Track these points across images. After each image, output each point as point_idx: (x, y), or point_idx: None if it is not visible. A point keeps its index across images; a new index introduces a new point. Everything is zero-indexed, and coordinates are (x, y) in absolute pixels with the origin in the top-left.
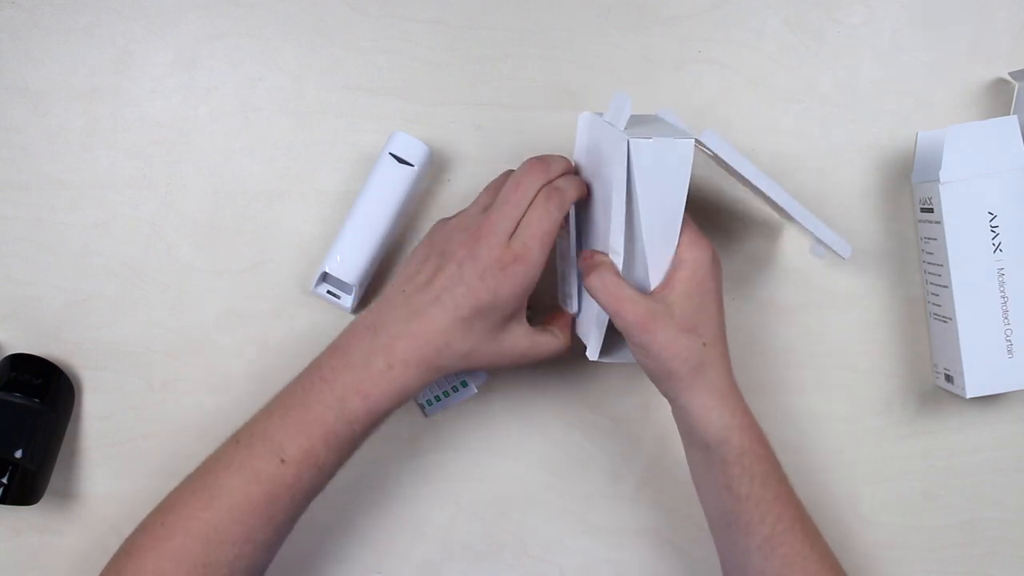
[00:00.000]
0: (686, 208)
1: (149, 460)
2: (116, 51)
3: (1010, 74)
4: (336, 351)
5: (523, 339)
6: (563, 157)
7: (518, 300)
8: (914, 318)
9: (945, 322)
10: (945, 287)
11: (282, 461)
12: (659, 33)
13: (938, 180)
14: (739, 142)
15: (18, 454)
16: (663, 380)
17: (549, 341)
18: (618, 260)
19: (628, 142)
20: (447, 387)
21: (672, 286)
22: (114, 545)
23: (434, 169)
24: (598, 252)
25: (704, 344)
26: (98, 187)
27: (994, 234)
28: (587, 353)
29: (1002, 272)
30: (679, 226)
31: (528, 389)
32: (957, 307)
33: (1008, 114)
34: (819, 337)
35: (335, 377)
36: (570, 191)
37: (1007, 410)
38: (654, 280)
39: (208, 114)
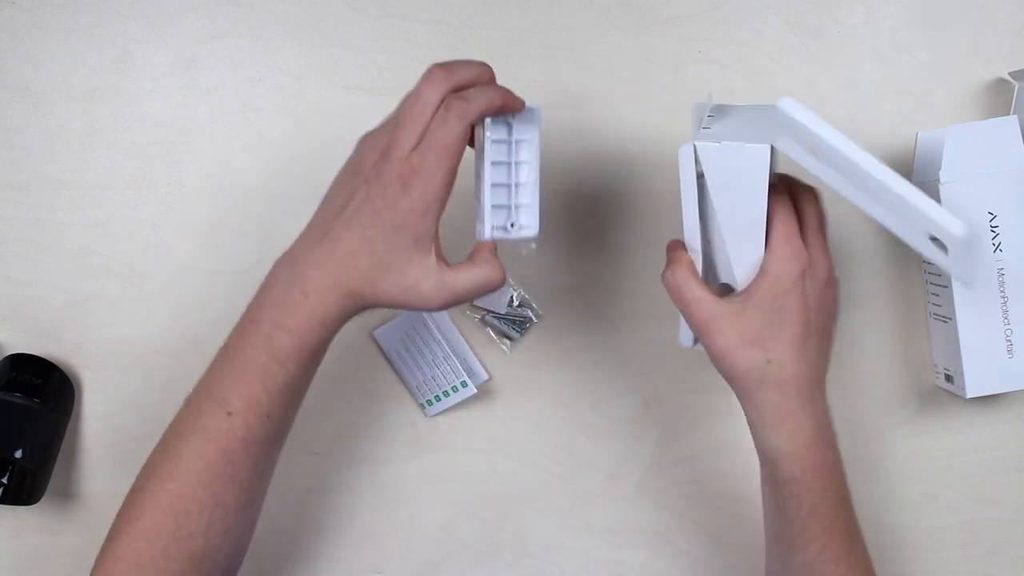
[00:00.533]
0: (783, 215)
1: None
2: (116, 51)
3: (1010, 74)
4: (262, 289)
5: (429, 274)
6: (473, 62)
7: (418, 219)
8: (914, 318)
9: (945, 322)
10: (945, 287)
11: (228, 414)
12: (659, 33)
13: (938, 180)
14: None
15: (18, 454)
16: (727, 381)
17: (466, 276)
18: (696, 259)
19: (694, 146)
20: (447, 387)
21: (750, 294)
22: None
23: None
24: (681, 245)
25: (768, 361)
26: (98, 187)
27: (994, 234)
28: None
29: (1002, 272)
30: (762, 229)
31: (528, 389)
32: (957, 307)
33: (1008, 114)
34: None
35: (260, 316)
36: (477, 101)
37: (1007, 410)
38: (741, 281)
39: (208, 114)
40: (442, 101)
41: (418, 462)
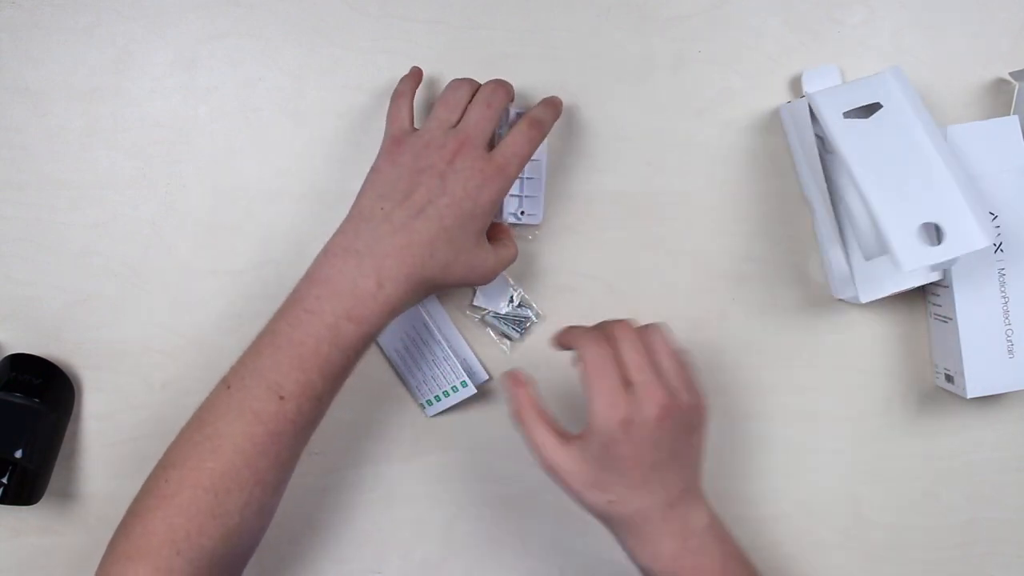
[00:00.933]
0: (593, 366)
1: (149, 460)
2: (116, 51)
3: (1010, 74)
4: (316, 281)
5: (491, 253)
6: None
7: (491, 210)
8: (914, 318)
9: (945, 322)
10: (945, 287)
11: (281, 398)
12: (659, 33)
13: None
14: (739, 142)
15: (18, 454)
16: (598, 519)
17: (508, 252)
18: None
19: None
20: (447, 387)
21: (585, 442)
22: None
23: None
24: (521, 389)
25: (610, 502)
26: (98, 187)
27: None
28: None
29: (1002, 272)
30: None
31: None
32: (957, 307)
33: (1008, 114)
34: (819, 337)
35: (322, 308)
36: (548, 122)
37: (1007, 410)
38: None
39: (208, 114)
40: (521, 117)
41: (418, 462)
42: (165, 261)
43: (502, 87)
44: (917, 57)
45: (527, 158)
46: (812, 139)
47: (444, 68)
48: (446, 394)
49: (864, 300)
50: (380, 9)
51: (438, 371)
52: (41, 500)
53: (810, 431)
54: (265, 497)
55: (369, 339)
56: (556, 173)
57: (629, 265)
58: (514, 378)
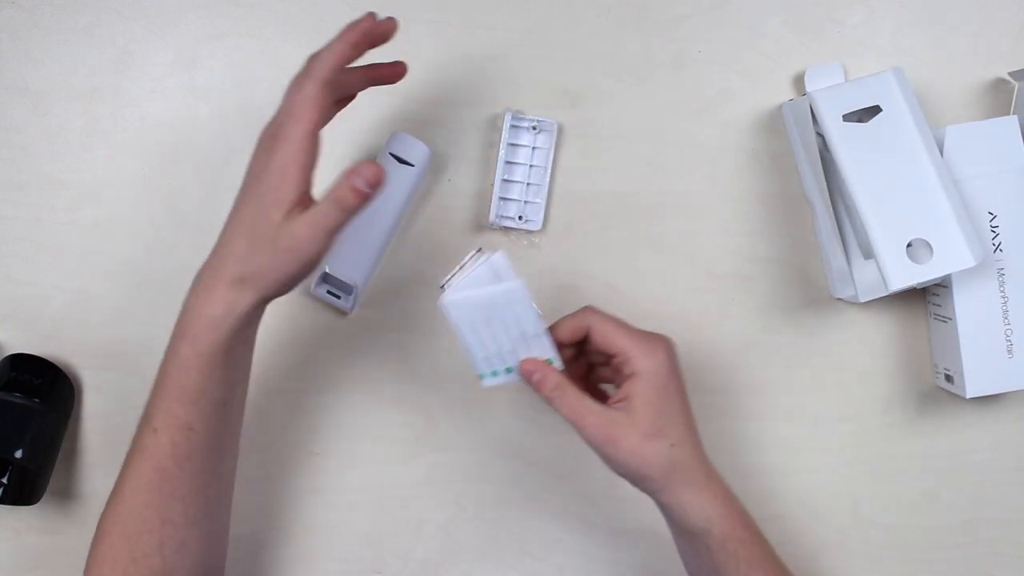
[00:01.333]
0: (610, 323)
1: None
2: (116, 51)
3: (1010, 74)
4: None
5: (301, 223)
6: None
7: (279, 183)
8: (914, 318)
9: (945, 322)
10: (945, 287)
11: (154, 431)
12: (659, 33)
13: None
14: (739, 142)
15: (18, 454)
16: (638, 483)
17: (319, 211)
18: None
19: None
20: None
21: (631, 396)
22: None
23: (434, 169)
24: (548, 367)
25: (672, 445)
26: (98, 187)
27: (994, 234)
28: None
29: (1002, 272)
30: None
31: (528, 389)
32: (957, 307)
33: (1008, 114)
34: (819, 337)
35: (173, 333)
36: (323, 57)
37: (1007, 410)
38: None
39: (208, 114)
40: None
41: (418, 462)
42: (165, 261)
43: (311, 60)
44: (917, 57)
45: (303, 108)
46: (813, 137)
47: (444, 68)
48: (508, 370)
49: (864, 300)
50: (380, 9)
51: (520, 346)
52: (41, 500)
53: (810, 431)
54: (179, 534)
55: (205, 358)
56: (556, 173)
57: (629, 265)
58: (534, 362)
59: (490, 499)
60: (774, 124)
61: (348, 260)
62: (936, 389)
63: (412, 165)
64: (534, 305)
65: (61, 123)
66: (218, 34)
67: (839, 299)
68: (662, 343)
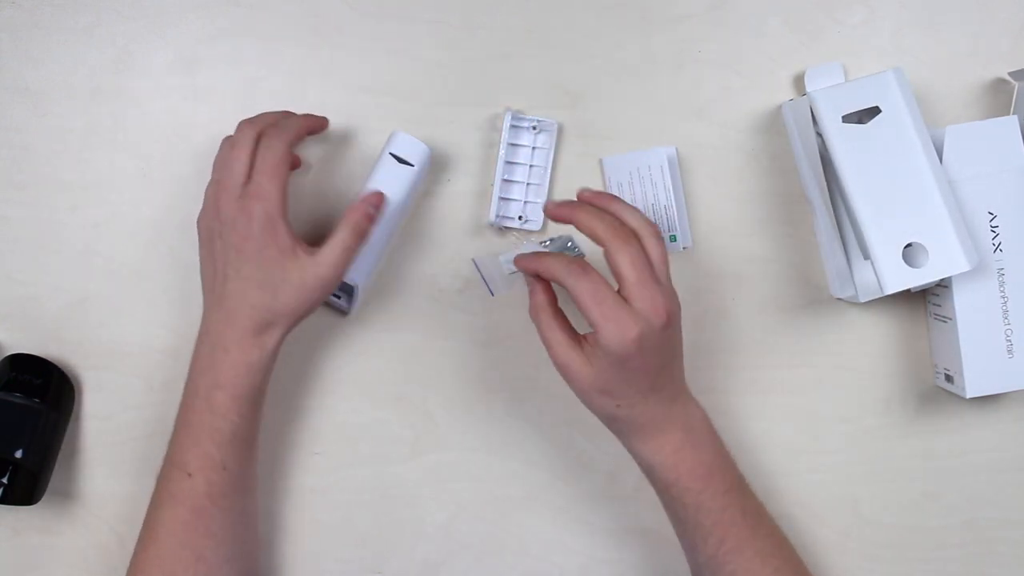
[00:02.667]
0: (592, 288)
1: (149, 460)
2: (116, 51)
3: (1010, 74)
4: (192, 370)
5: (307, 268)
6: (275, 112)
7: (271, 235)
8: (914, 318)
9: (945, 322)
10: (945, 287)
11: (188, 475)
12: (659, 33)
13: None
14: (739, 142)
15: (18, 454)
16: (603, 422)
17: (336, 240)
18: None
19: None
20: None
21: (594, 350)
22: (114, 545)
23: (434, 169)
24: (537, 284)
25: (617, 406)
26: (98, 187)
27: (994, 234)
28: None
29: (1002, 272)
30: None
31: (528, 389)
32: (957, 307)
33: (1008, 114)
34: (819, 337)
35: (197, 385)
36: (288, 127)
37: (1007, 410)
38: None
39: (208, 114)
40: (256, 141)
41: (418, 462)
42: (165, 261)
43: (275, 130)
44: (917, 57)
45: (278, 167)
46: (813, 137)
47: (444, 68)
48: None
49: (864, 300)
50: (380, 9)
51: (653, 217)
52: (41, 500)
53: (810, 431)
54: (213, 572)
55: (242, 401)
56: (556, 173)
57: None
58: (532, 270)
59: (490, 499)
60: (774, 124)
61: None
62: (936, 389)
63: (412, 165)
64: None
65: (61, 123)
66: (218, 34)
67: (839, 299)
68: (636, 325)
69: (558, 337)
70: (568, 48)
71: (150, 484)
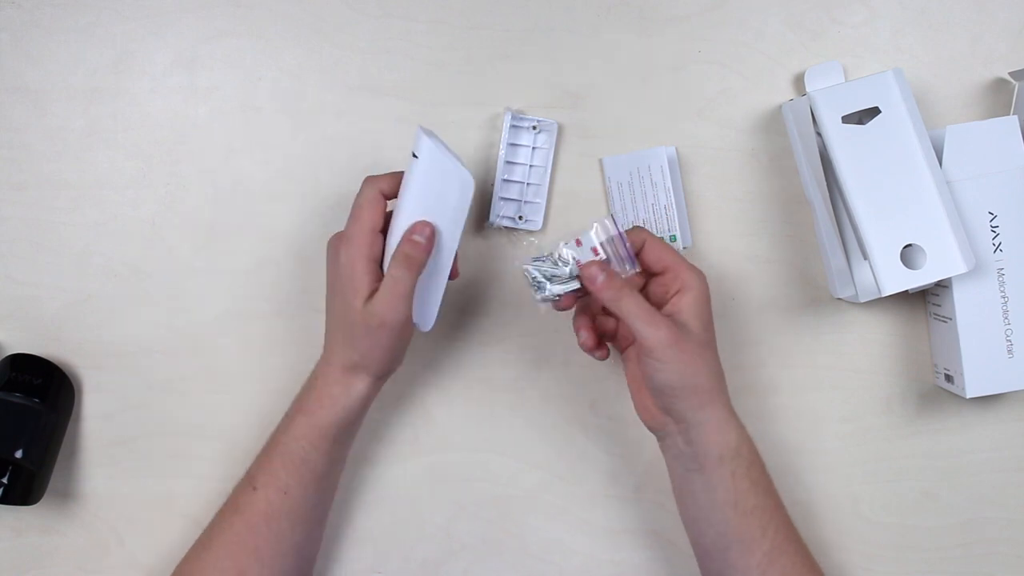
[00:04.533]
0: (658, 241)
1: (149, 460)
2: (116, 51)
3: (1010, 74)
4: (298, 393)
5: (370, 312)
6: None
7: (350, 277)
8: (914, 318)
9: (945, 322)
10: (945, 287)
11: (254, 489)
12: (659, 33)
13: None
14: (739, 142)
15: (18, 454)
16: (685, 397)
17: (387, 288)
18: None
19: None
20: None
21: (681, 309)
22: (114, 545)
23: None
24: (611, 270)
25: (717, 357)
26: (98, 187)
27: (994, 234)
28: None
29: (1002, 272)
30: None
31: (528, 389)
32: (957, 307)
33: (1008, 114)
34: (819, 337)
35: (290, 407)
36: (382, 177)
37: (1007, 410)
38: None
39: (208, 114)
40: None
41: (418, 462)
42: (165, 261)
43: (369, 177)
44: (917, 57)
45: (361, 209)
46: (813, 137)
47: (444, 68)
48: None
49: (864, 300)
50: (380, 9)
51: (653, 217)
52: (41, 500)
53: (810, 431)
54: None
55: (318, 431)
56: (556, 173)
57: None
58: (599, 264)
59: (490, 499)
60: (774, 124)
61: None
62: (936, 389)
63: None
64: (679, 183)
65: (61, 123)
66: (218, 34)
67: (839, 299)
68: (699, 269)
69: (654, 309)
70: (568, 48)
71: (150, 484)
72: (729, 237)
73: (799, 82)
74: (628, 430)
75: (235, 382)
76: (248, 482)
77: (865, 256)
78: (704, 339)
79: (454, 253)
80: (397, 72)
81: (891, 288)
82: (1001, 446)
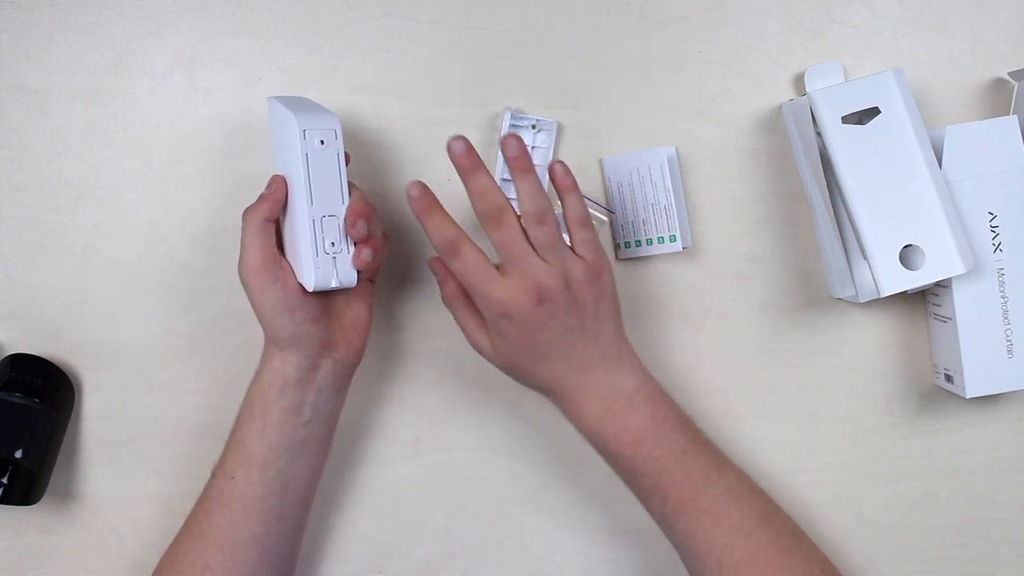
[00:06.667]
0: (507, 238)
1: (149, 460)
2: (116, 51)
3: (1009, 74)
4: None
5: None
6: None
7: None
8: (914, 318)
9: (945, 322)
10: (945, 287)
11: (212, 475)
12: (659, 33)
13: None
14: (739, 142)
15: (18, 454)
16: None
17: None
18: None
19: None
20: (654, 236)
21: (499, 328)
22: (114, 545)
23: (434, 169)
24: (448, 275)
25: (526, 377)
26: (98, 187)
27: (994, 234)
28: None
29: (1002, 272)
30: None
31: (528, 389)
32: (957, 307)
33: (1008, 114)
34: (819, 337)
35: None
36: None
37: (1007, 410)
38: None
39: (208, 114)
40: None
41: (419, 462)
42: (165, 261)
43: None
44: (917, 57)
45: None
46: (813, 137)
47: (444, 68)
48: (649, 242)
49: (864, 300)
50: (380, 9)
51: (652, 217)
52: (41, 500)
53: (810, 431)
54: None
55: (249, 404)
56: None
57: (628, 265)
58: (442, 266)
59: (490, 499)
60: (774, 124)
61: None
62: (936, 389)
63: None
64: (679, 181)
65: (61, 123)
66: (218, 34)
67: (839, 299)
68: (531, 292)
69: (471, 323)
70: (568, 48)
71: (150, 484)
72: (729, 237)
73: (799, 82)
74: None
75: (235, 382)
76: (212, 470)
77: (864, 256)
78: (506, 362)
79: (306, 196)
80: (397, 72)
81: (890, 289)
82: (1001, 446)
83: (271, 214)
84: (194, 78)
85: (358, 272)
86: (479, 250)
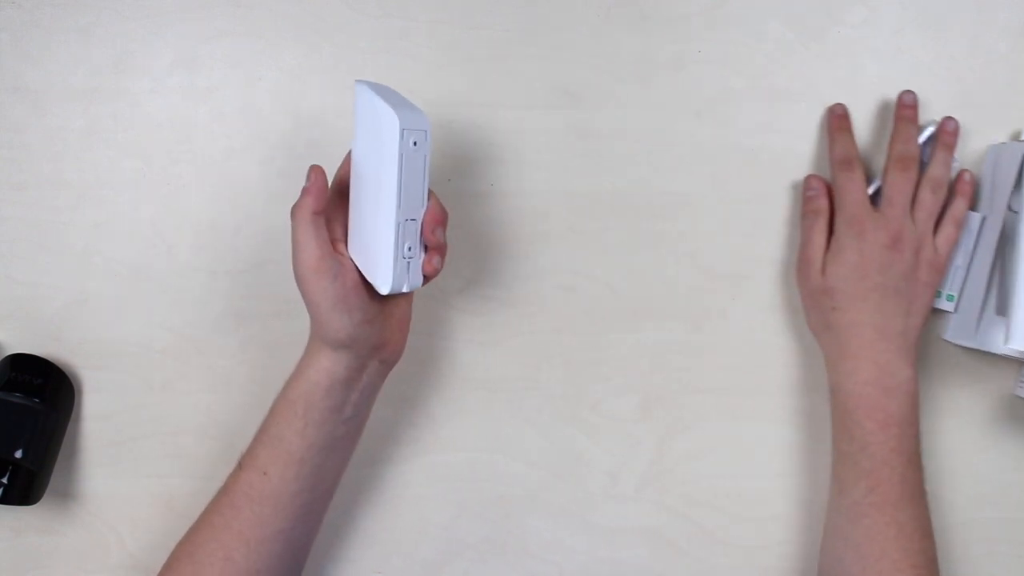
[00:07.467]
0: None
1: (149, 460)
2: (116, 51)
3: None
4: None
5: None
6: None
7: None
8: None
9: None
10: None
11: (240, 469)
12: (659, 33)
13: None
14: (739, 142)
15: (18, 454)
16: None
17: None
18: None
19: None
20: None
21: (838, 246)
22: (114, 545)
23: (435, 169)
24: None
25: (833, 308)
26: (98, 187)
27: None
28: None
29: None
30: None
31: (529, 389)
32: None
33: (1008, 117)
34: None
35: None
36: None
37: (1007, 409)
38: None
39: (208, 114)
40: None
41: (419, 462)
42: (165, 261)
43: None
44: (917, 57)
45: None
46: (1010, 186)
47: (444, 68)
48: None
49: (973, 346)
50: (380, 9)
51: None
52: (41, 500)
53: (810, 431)
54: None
55: (289, 403)
56: (556, 173)
57: (629, 265)
58: (821, 182)
59: (491, 499)
60: (775, 124)
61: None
62: (936, 388)
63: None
64: None
65: (61, 123)
66: (218, 34)
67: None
68: (891, 234)
69: (818, 239)
70: (568, 48)
71: (150, 484)
72: (729, 237)
73: (799, 81)
74: (628, 430)
75: (235, 382)
76: (238, 463)
77: (999, 312)
78: (833, 284)
79: (395, 197)
80: (397, 72)
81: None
82: (1001, 446)
83: (318, 207)
84: (194, 78)
85: (424, 277)
86: (865, 177)
